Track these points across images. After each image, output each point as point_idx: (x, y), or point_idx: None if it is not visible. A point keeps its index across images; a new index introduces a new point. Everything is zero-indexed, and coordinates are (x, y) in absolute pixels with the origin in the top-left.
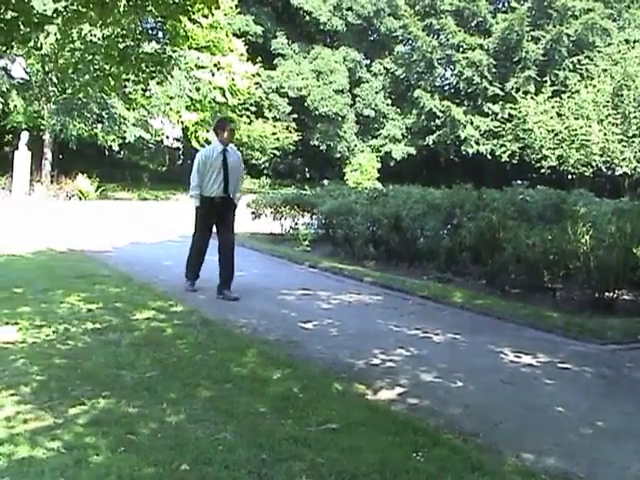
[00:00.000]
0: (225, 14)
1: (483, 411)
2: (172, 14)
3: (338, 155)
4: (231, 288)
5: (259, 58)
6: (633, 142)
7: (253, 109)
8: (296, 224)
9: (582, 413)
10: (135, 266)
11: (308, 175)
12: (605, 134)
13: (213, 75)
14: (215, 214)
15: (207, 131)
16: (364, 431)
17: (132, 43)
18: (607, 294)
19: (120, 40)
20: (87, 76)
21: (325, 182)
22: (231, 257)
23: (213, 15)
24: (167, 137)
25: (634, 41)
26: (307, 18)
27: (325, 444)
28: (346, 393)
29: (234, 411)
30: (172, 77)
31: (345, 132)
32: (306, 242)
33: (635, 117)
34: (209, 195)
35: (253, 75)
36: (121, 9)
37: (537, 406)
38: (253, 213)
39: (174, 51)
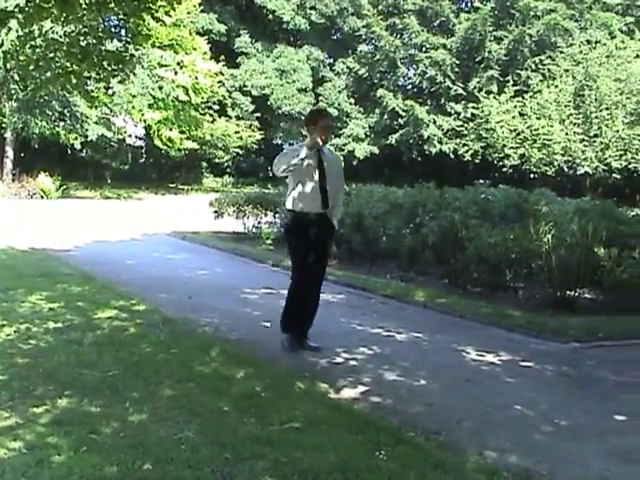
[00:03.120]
0: (188, 12)
1: (446, 409)
2: (134, 12)
3: None
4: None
5: (222, 56)
6: (594, 142)
7: (216, 107)
8: (259, 223)
9: (544, 411)
10: (97, 265)
11: (271, 174)
12: (567, 134)
13: (176, 73)
14: (313, 236)
15: (170, 129)
16: (327, 430)
17: (94, 41)
18: (568, 293)
19: (82, 38)
20: (49, 73)
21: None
22: (316, 297)
23: (176, 13)
24: (130, 136)
25: (595, 42)
26: (270, 17)
27: (288, 443)
28: (309, 392)
29: (197, 410)
30: (135, 75)
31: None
32: (269, 241)
33: (596, 117)
34: (305, 211)
35: (216, 74)
36: (83, 6)
37: (499, 404)
38: (216, 212)
39: (137, 49)
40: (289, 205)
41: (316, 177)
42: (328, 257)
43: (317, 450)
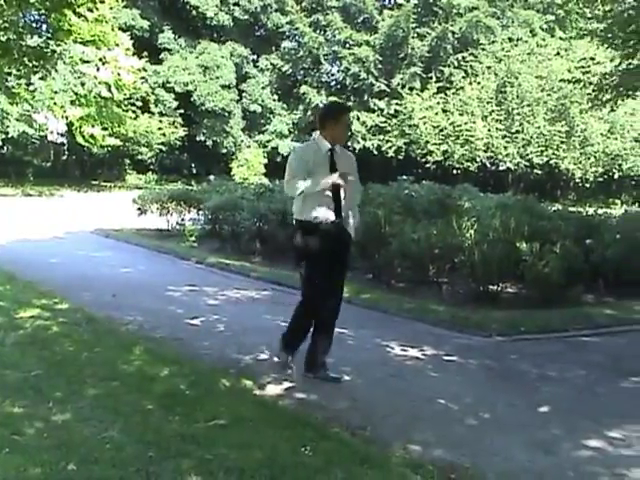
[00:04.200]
0: (111, 8)
1: (370, 404)
2: (56, 7)
3: (224, 150)
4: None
5: (145, 53)
6: (516, 138)
7: (139, 104)
8: (182, 220)
9: (468, 405)
10: (19, 264)
11: (195, 171)
12: (489, 130)
13: (98, 70)
14: (329, 250)
15: (93, 126)
16: (252, 426)
17: (14, 36)
18: (491, 287)
19: (2, 33)
20: None
21: (211, 177)
22: (332, 328)
23: (98, 9)
24: (51, 132)
25: (517, 39)
26: (194, 13)
27: (213, 440)
28: (234, 389)
29: (121, 409)
30: (56, 71)
31: (231, 127)
32: (192, 238)
33: (518, 113)
34: (311, 220)
35: (139, 70)
36: (2, 1)
37: (424, 399)
38: (139, 209)
39: (58, 45)
40: (297, 214)
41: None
42: (345, 275)
43: (242, 447)
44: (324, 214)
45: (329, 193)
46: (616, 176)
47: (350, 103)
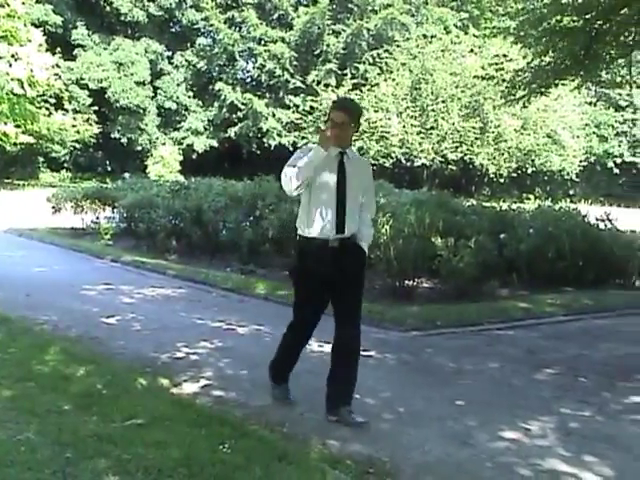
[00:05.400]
0: (23, 3)
1: (288, 401)
2: None
3: (139, 148)
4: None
5: (59, 49)
6: (431, 134)
7: (52, 101)
8: (97, 218)
9: (385, 399)
10: None
11: (109, 168)
12: (404, 126)
13: (10, 66)
14: (327, 276)
15: (5, 123)
16: (170, 425)
17: None
18: (407, 282)
19: None
20: None
21: (126, 175)
22: (353, 361)
23: (9, 5)
24: None
25: (431, 36)
26: (108, 9)
27: (131, 440)
28: (150, 388)
29: (37, 410)
30: None
31: (146, 125)
32: (108, 236)
33: (433, 110)
34: (311, 236)
35: (52, 66)
36: None
37: None
38: (53, 208)
39: None
40: (299, 229)
41: (334, 187)
42: (360, 299)
43: (160, 446)
44: (320, 229)
45: (333, 205)
46: (529, 171)
47: (265, 100)
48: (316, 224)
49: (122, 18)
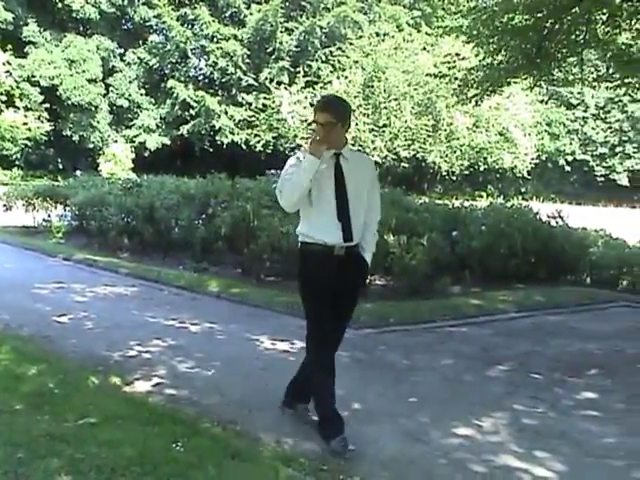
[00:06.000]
0: None
1: (241, 399)
2: None
3: (91, 145)
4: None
5: (10, 46)
6: (383, 132)
7: (4, 98)
8: (49, 216)
9: (339, 396)
10: None
11: (61, 166)
12: (357, 124)
13: None
14: (329, 284)
15: None
16: (122, 424)
17: None
18: None
19: None
20: None
21: (78, 173)
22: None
23: None
24: None
25: (384, 34)
26: (59, 5)
27: (83, 439)
28: (103, 386)
29: None
30: None
31: (98, 122)
32: (59, 234)
33: (385, 108)
34: (314, 242)
35: (3, 63)
36: None
37: None
38: (4, 205)
39: None
40: (300, 235)
41: (332, 194)
42: (352, 311)
43: (113, 445)
44: (324, 235)
45: (334, 210)
46: (482, 169)
47: (217, 97)
48: (319, 231)
49: (74, 15)
